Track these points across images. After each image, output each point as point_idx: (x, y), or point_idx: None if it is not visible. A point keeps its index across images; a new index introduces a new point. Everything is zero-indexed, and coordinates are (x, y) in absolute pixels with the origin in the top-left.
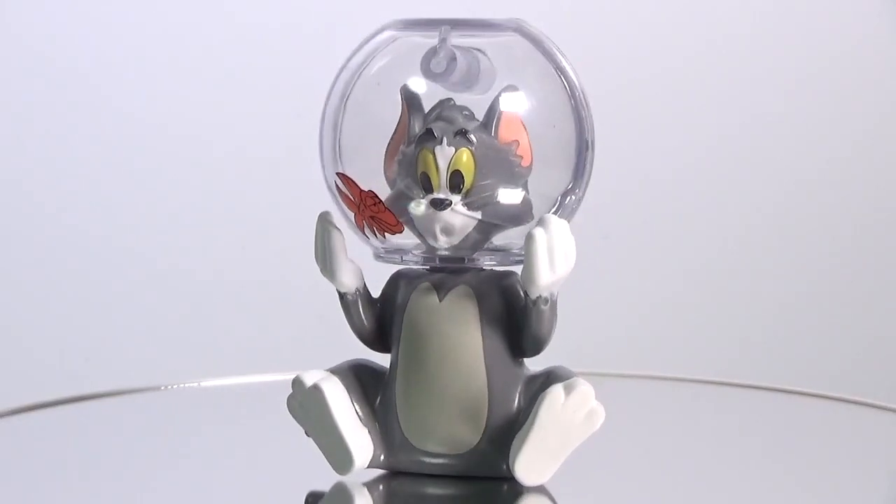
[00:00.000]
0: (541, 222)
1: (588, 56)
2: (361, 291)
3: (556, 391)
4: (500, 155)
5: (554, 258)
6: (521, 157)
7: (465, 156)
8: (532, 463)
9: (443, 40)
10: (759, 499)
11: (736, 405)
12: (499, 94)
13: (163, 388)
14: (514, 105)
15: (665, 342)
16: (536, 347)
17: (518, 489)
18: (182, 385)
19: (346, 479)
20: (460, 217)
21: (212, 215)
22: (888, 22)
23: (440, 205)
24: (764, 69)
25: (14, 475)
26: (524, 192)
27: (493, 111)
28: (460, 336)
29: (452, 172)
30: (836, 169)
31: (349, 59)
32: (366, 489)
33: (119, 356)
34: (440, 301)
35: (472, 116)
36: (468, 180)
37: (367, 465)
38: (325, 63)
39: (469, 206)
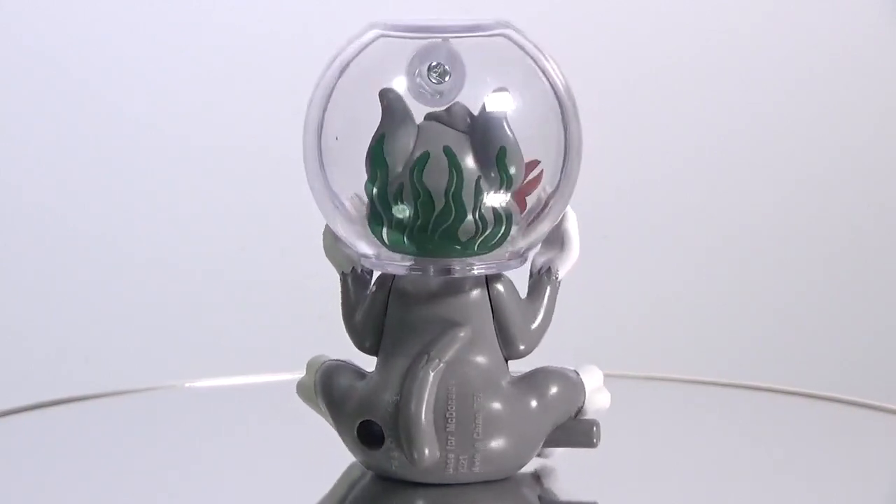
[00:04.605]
0: None
1: (587, 55)
2: None
3: None
4: None
5: None
6: None
7: None
8: None
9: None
10: (758, 499)
11: (736, 405)
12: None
13: (162, 388)
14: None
15: (665, 342)
16: None
17: (521, 491)
18: (181, 385)
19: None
20: None
21: (211, 215)
22: (888, 22)
23: None
24: (763, 69)
25: (14, 475)
26: None
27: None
28: None
29: None
30: (836, 169)
31: (333, 59)
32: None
33: (119, 356)
34: None
35: None
36: None
37: None
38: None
39: None
